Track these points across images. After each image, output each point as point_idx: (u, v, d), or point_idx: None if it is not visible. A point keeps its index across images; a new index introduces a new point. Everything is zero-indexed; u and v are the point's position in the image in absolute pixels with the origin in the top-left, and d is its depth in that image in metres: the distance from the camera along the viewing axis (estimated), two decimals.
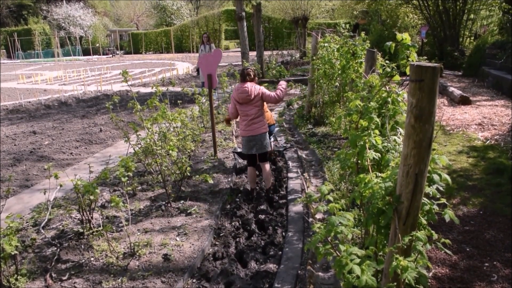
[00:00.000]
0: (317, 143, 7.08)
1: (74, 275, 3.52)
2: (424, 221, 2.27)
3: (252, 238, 4.19)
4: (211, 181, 4.83)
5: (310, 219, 4.36)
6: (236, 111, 5.10)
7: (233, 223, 4.50)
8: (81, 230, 4.16)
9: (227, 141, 7.58)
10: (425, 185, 2.15)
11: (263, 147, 5.06)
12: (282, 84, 5.21)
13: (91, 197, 3.90)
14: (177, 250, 3.88)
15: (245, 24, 15.33)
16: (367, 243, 2.55)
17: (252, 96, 4.94)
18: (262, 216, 4.65)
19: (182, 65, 23.95)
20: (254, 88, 4.97)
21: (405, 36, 2.94)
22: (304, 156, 6.59)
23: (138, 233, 4.21)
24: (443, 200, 2.42)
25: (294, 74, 16.58)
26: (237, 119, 5.35)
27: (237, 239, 4.14)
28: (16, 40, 30.99)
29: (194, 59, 22.84)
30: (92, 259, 3.76)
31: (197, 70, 12.67)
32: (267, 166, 5.18)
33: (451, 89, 10.78)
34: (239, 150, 6.78)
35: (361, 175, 2.48)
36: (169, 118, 5.05)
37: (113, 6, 55.60)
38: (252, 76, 5.06)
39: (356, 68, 6.47)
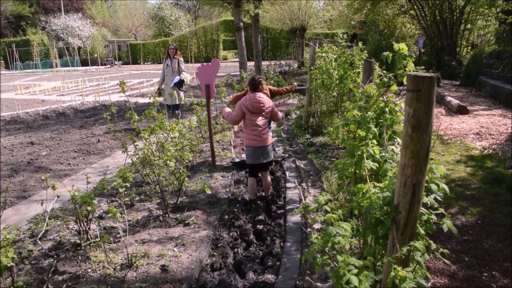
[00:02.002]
0: (315, 153, 7.08)
1: (71, 287, 3.49)
2: (422, 231, 2.26)
3: (250, 248, 4.17)
4: (209, 192, 4.83)
5: (308, 229, 4.34)
6: (240, 119, 5.06)
7: (231, 234, 4.48)
8: (78, 241, 4.13)
9: (225, 151, 7.57)
10: (423, 195, 2.14)
11: (269, 156, 5.16)
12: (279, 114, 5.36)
13: (89, 208, 3.88)
14: (175, 261, 3.86)
15: (243, 34, 15.44)
16: (365, 253, 2.54)
17: (266, 107, 5.00)
18: (260, 226, 4.63)
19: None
20: (267, 99, 5.07)
21: (402, 46, 2.95)
22: (302, 166, 6.58)
23: (136, 244, 4.18)
24: (441, 210, 2.41)
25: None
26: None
27: (235, 250, 4.12)
28: (15, 50, 31.07)
29: (192, 69, 22.72)
30: (89, 270, 3.73)
31: (158, 90, 9.49)
32: (268, 176, 5.33)
33: (449, 98, 10.84)
34: (237, 160, 6.78)
35: (359, 185, 2.48)
36: (167, 129, 5.05)
37: (112, 17, 55.98)
38: (262, 85, 5.14)
39: (353, 78, 6.51)
